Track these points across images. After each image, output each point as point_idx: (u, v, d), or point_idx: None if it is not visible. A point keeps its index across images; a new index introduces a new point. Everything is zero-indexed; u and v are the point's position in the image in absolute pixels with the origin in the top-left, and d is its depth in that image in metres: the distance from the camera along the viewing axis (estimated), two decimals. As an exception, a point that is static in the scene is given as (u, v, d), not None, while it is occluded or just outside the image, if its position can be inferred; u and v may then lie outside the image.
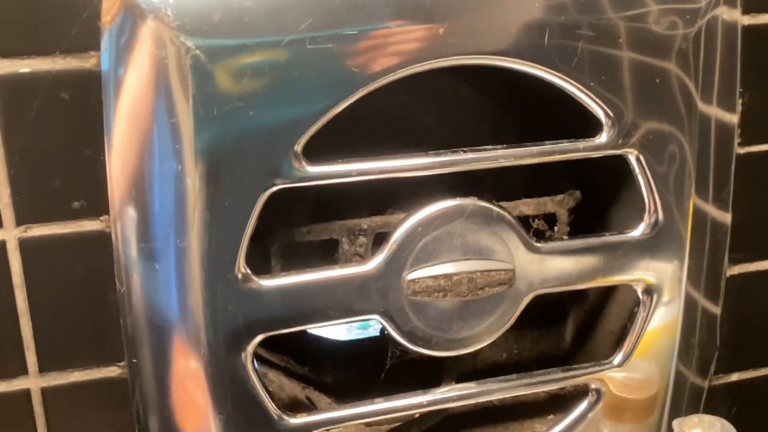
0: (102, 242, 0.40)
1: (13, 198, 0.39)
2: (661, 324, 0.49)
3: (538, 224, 0.50)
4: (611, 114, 0.44)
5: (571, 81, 0.43)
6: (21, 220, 0.40)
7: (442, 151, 0.43)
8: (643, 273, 0.48)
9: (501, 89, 0.50)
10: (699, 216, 0.49)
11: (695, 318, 0.51)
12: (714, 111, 0.48)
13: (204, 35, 0.37)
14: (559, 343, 0.59)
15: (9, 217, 0.39)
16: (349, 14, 0.39)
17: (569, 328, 0.58)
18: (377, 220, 0.47)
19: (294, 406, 0.50)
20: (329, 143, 0.41)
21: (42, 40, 0.38)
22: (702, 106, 0.46)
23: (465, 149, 0.43)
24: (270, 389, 0.44)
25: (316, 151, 0.40)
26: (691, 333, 0.51)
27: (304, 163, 0.40)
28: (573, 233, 0.50)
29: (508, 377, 0.48)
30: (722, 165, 0.49)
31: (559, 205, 0.51)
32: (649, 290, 0.48)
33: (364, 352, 0.60)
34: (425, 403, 0.46)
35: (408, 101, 0.50)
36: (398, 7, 0.39)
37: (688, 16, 0.44)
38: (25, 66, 0.38)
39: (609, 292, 0.53)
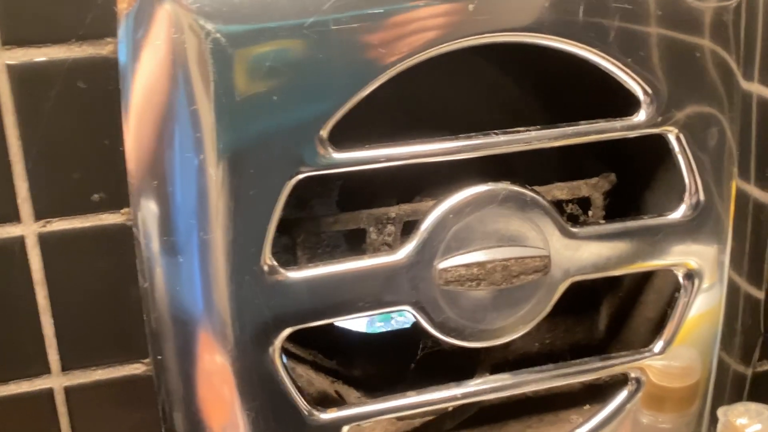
0: (123, 236, 0.39)
1: (31, 192, 0.38)
2: (702, 309, 0.48)
3: (572, 209, 0.49)
4: (649, 91, 0.42)
5: (608, 57, 0.41)
6: (40, 214, 0.39)
7: (472, 134, 0.41)
8: (684, 257, 0.46)
9: (529, 69, 0.49)
10: (741, 197, 0.47)
11: (738, 303, 0.49)
12: (756, 88, 0.46)
13: (224, 19, 0.35)
14: (593, 332, 0.57)
15: (27, 211, 0.38)
16: (375, -6, 0.37)
17: (603, 316, 0.57)
18: (405, 208, 0.45)
19: (323, 401, 0.49)
20: (354, 129, 0.39)
21: (57, 27, 0.36)
22: (743, 83, 0.44)
23: (497, 131, 0.42)
24: (299, 384, 0.43)
25: (341, 137, 0.39)
26: (733, 318, 0.49)
27: (330, 150, 0.39)
28: (608, 217, 0.49)
29: (543, 368, 0.46)
30: (764, 144, 0.47)
31: (593, 188, 0.49)
32: (690, 275, 0.47)
33: (393, 344, 0.59)
34: (459, 395, 0.45)
35: (434, 83, 0.49)
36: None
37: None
38: (40, 55, 0.36)
39: (646, 277, 0.51)
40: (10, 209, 0.38)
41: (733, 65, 0.43)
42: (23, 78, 0.37)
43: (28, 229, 0.39)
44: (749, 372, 0.52)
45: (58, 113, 0.37)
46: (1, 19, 0.36)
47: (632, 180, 0.49)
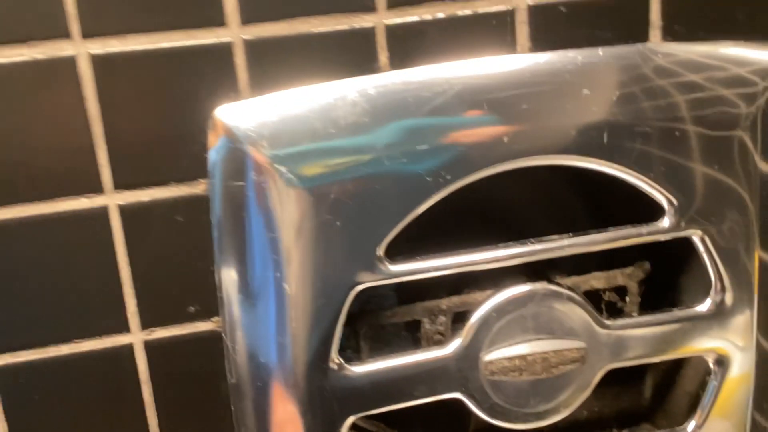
0: (214, 340, 0.46)
1: (138, 306, 0.45)
2: (733, 387, 0.51)
3: (609, 296, 0.53)
4: (674, 201, 0.47)
5: (632, 172, 0.46)
6: (145, 324, 0.45)
7: (510, 243, 0.47)
8: (713, 343, 0.50)
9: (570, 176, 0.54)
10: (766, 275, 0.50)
11: None
12: None
13: (295, 162, 0.42)
14: (639, 401, 0.60)
15: (135, 322, 0.45)
16: (421, 134, 0.43)
17: (648, 386, 0.60)
18: (455, 300, 0.50)
19: None
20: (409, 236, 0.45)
21: (160, 172, 0.43)
22: (764, 175, 0.48)
23: (533, 240, 0.47)
24: (364, 457, 0.49)
25: (404, 240, 0.44)
26: (764, 389, 0.53)
27: (386, 264, 0.44)
28: (645, 301, 0.53)
29: None
30: None
31: (629, 278, 0.53)
32: (720, 361, 0.50)
33: (450, 413, 0.64)
34: (508, 467, 0.50)
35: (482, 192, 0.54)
36: (465, 125, 0.43)
37: (744, 101, 0.47)
38: (146, 195, 0.43)
39: (683, 354, 0.55)
40: (121, 321, 0.45)
41: (752, 171, 0.47)
42: (131, 214, 0.43)
43: (135, 337, 0.45)
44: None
45: (159, 241, 0.44)
46: (114, 168, 0.43)
47: (668, 265, 0.53)
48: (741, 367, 0.51)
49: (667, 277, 0.54)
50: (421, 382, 0.47)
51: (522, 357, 0.47)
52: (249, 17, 0.42)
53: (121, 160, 0.43)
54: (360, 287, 0.44)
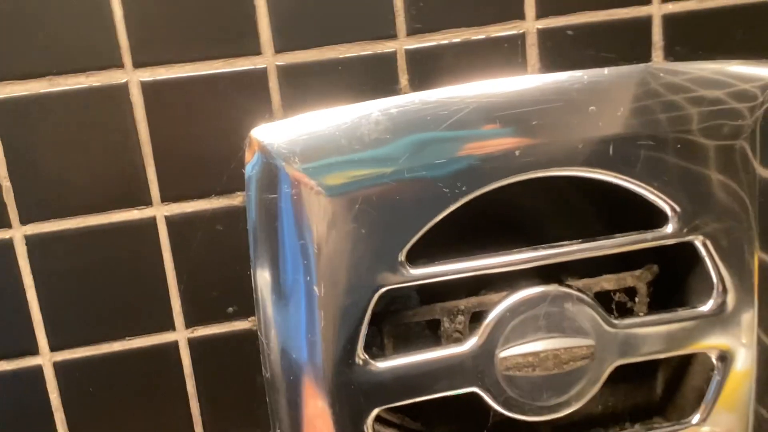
0: (250, 338, 0.49)
1: (183, 307, 0.49)
2: (736, 382, 0.54)
3: (619, 297, 0.55)
4: (677, 208, 0.49)
5: (636, 182, 0.49)
6: (189, 323, 0.49)
7: (523, 248, 0.50)
8: (715, 341, 0.52)
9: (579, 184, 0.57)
10: (767, 277, 0.53)
11: None
12: None
13: (324, 176, 0.46)
14: (651, 396, 0.63)
15: (180, 321, 0.49)
16: (439, 148, 0.47)
17: (659, 382, 0.63)
18: (473, 300, 0.53)
19: None
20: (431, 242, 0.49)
21: (202, 186, 0.47)
22: (763, 180, 0.50)
23: (544, 245, 0.50)
24: (388, 448, 0.53)
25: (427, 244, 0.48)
26: (766, 384, 0.55)
27: (408, 268, 0.48)
28: (655, 302, 0.55)
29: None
30: None
31: (637, 279, 0.56)
32: (723, 357, 0.53)
33: (471, 406, 0.67)
34: (522, 458, 0.53)
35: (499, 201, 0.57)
36: (479, 139, 0.47)
37: (744, 114, 0.49)
38: (189, 207, 0.47)
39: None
40: (167, 321, 0.49)
41: (753, 179, 0.50)
42: (176, 224, 0.47)
43: (180, 335, 0.49)
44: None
45: (202, 248, 0.48)
46: (161, 183, 0.46)
47: (676, 266, 0.56)
48: (743, 363, 0.53)
49: (676, 280, 0.57)
50: (440, 377, 0.50)
51: (535, 354, 0.50)
52: (282, 46, 0.46)
53: (167, 175, 0.47)
54: (383, 289, 0.48)
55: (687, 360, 0.58)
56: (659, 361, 0.61)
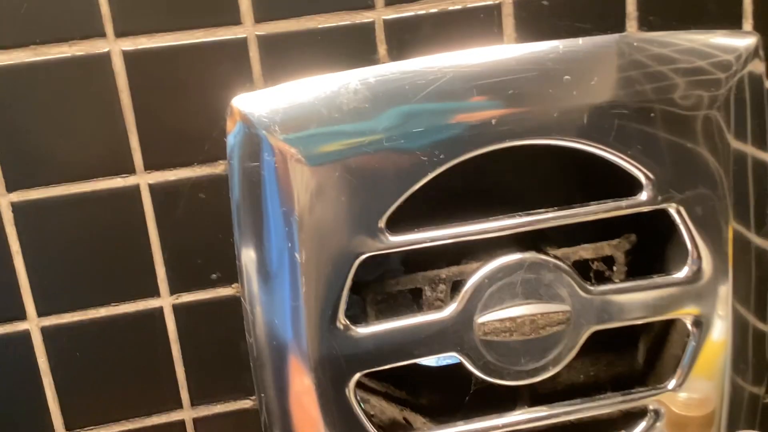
0: (234, 304, 0.51)
1: (167, 274, 0.50)
2: (712, 349, 0.55)
3: (597, 266, 0.56)
4: (651, 176, 0.50)
5: (610, 151, 0.50)
6: (173, 290, 0.50)
7: (500, 216, 0.51)
8: (690, 307, 0.53)
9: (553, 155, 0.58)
10: (741, 247, 0.53)
11: (746, 338, 0.56)
12: (749, 149, 0.52)
13: (304, 144, 0.47)
14: (633, 365, 0.64)
15: (165, 288, 0.50)
16: (417, 118, 0.48)
17: (641, 352, 0.64)
18: (454, 270, 0.54)
19: (393, 427, 0.58)
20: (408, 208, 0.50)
21: (184, 154, 0.48)
22: (736, 151, 0.51)
23: (521, 213, 0.51)
24: (372, 413, 0.53)
25: (409, 210, 0.49)
26: (742, 353, 0.56)
27: (387, 235, 0.49)
28: (635, 271, 0.56)
29: (572, 402, 0.54)
30: (760, 201, 0.54)
31: (615, 248, 0.57)
32: (697, 322, 0.54)
33: (454, 376, 0.68)
34: (500, 425, 0.54)
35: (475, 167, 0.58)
36: (456, 109, 0.48)
37: (717, 84, 0.50)
38: (172, 175, 0.48)
39: (669, 320, 0.59)
40: (151, 287, 0.50)
41: (727, 144, 0.51)
42: (160, 192, 0.48)
43: (165, 301, 0.50)
44: (760, 402, 0.58)
45: (185, 216, 0.49)
46: (144, 152, 0.47)
47: (654, 233, 0.56)
48: (719, 330, 0.55)
49: (654, 252, 0.58)
50: (420, 342, 0.51)
51: (512, 319, 0.52)
52: (261, 16, 0.47)
53: (150, 144, 0.48)
54: (364, 256, 0.49)
55: (667, 330, 0.59)
56: (640, 330, 0.63)
